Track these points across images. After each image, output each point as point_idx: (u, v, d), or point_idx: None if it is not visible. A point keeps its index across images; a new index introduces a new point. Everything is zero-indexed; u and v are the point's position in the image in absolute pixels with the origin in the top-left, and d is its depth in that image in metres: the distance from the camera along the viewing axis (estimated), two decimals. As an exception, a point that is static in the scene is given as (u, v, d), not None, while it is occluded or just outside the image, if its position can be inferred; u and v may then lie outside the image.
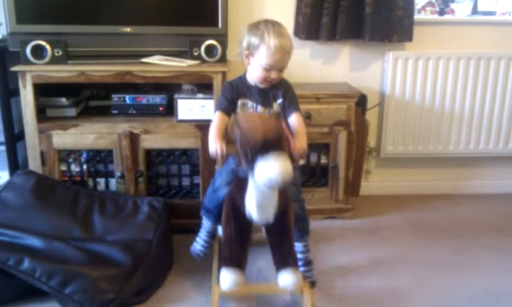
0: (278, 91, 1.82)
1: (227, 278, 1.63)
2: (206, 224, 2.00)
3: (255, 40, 1.72)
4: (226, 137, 1.75)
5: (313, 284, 1.90)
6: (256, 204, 1.58)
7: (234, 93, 1.82)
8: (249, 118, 1.53)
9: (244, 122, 1.51)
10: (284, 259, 1.68)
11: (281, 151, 1.48)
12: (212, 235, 2.00)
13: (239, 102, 1.80)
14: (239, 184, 1.64)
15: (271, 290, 1.79)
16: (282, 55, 1.70)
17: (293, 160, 1.53)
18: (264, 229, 1.79)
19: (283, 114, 1.82)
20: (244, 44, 1.76)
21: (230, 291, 1.64)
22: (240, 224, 1.67)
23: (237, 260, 1.66)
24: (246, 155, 1.50)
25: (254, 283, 1.88)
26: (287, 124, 1.76)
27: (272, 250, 1.72)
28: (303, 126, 1.79)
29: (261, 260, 2.06)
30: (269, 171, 1.43)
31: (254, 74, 1.77)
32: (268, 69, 1.72)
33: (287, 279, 1.65)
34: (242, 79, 1.85)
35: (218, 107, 1.84)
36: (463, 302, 1.82)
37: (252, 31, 1.75)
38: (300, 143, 1.67)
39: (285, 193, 1.68)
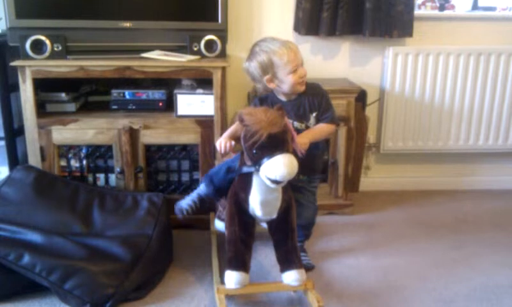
0: (314, 99, 1.81)
1: (232, 279, 1.64)
2: (202, 188, 1.91)
3: (264, 61, 1.72)
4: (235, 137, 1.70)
5: (311, 268, 1.96)
6: (260, 201, 1.58)
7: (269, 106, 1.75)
8: (253, 114, 1.53)
9: (248, 118, 1.51)
10: (288, 258, 1.69)
11: (285, 147, 1.48)
12: (202, 200, 1.92)
13: None
14: (243, 181, 1.63)
15: (275, 288, 1.79)
16: (295, 51, 1.74)
17: (295, 155, 1.53)
18: (267, 228, 1.78)
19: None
20: (257, 74, 1.76)
21: (235, 290, 1.65)
22: (244, 222, 1.67)
23: (242, 260, 1.66)
24: (251, 152, 1.50)
25: (257, 279, 1.88)
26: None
27: (276, 248, 1.73)
28: (319, 130, 1.79)
29: (261, 256, 2.06)
30: (274, 166, 1.43)
31: (288, 86, 1.75)
32: (296, 70, 1.73)
33: (291, 277, 1.67)
34: (272, 96, 1.83)
35: None
36: (462, 297, 1.82)
37: (254, 59, 1.75)
38: (302, 139, 1.68)
39: (288, 191, 1.68)
